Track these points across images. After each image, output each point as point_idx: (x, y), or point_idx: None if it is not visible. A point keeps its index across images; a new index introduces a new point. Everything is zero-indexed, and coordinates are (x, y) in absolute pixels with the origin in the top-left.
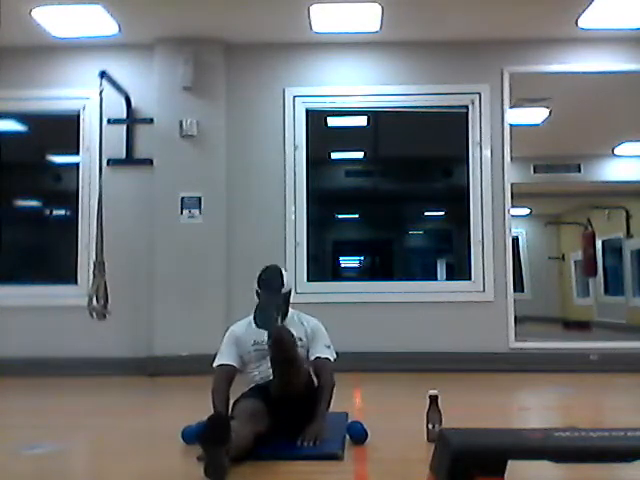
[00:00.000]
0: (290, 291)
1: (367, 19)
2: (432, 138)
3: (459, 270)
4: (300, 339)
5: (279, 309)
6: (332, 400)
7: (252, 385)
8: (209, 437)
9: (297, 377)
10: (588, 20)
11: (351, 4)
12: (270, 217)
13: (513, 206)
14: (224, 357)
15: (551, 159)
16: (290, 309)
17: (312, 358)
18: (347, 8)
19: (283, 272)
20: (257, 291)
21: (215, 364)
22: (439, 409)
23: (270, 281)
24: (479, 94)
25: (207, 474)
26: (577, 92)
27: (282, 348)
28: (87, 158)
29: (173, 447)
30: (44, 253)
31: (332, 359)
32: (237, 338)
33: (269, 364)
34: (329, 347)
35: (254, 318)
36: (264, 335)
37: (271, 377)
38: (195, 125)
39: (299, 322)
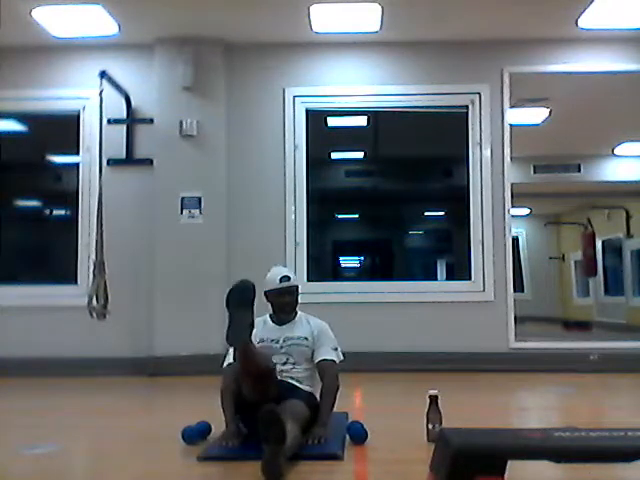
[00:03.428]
0: (296, 287)
1: (367, 19)
2: (432, 138)
3: (459, 270)
4: (305, 338)
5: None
6: (335, 402)
7: None
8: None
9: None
10: (588, 20)
11: (351, 4)
12: (270, 217)
13: (513, 206)
14: (232, 357)
15: (551, 159)
16: (299, 311)
17: (317, 360)
18: (347, 8)
19: (289, 271)
20: (265, 292)
21: (225, 364)
22: (439, 409)
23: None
24: (479, 94)
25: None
26: (577, 92)
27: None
28: (87, 158)
29: (173, 447)
30: (44, 253)
31: (337, 361)
32: None
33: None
34: (336, 349)
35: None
36: (272, 333)
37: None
38: (195, 125)
39: (306, 322)
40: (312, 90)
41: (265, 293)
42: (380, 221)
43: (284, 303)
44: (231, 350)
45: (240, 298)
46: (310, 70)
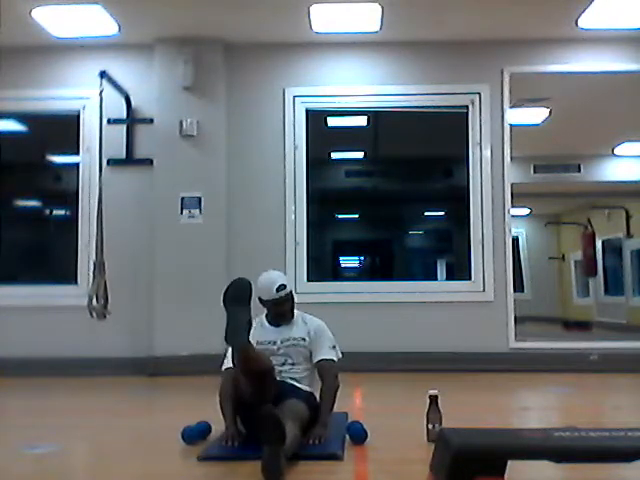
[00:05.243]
0: (291, 292)
1: (367, 19)
2: (432, 138)
3: (459, 270)
4: (303, 339)
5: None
6: (335, 402)
7: None
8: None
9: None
10: (588, 20)
11: (351, 4)
12: (270, 217)
13: (513, 206)
14: (230, 360)
15: (551, 159)
16: (296, 311)
17: (316, 360)
18: (347, 8)
19: (282, 277)
20: (260, 299)
21: (222, 368)
22: (439, 409)
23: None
24: (479, 94)
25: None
26: (577, 92)
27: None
28: (87, 158)
29: (173, 447)
30: (44, 253)
31: (336, 359)
32: None
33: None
34: (334, 347)
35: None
36: (269, 335)
37: None
38: (195, 125)
39: (302, 322)
40: (312, 90)
41: (260, 300)
42: (380, 221)
43: (283, 311)
44: (229, 352)
45: (237, 296)
46: (310, 70)
